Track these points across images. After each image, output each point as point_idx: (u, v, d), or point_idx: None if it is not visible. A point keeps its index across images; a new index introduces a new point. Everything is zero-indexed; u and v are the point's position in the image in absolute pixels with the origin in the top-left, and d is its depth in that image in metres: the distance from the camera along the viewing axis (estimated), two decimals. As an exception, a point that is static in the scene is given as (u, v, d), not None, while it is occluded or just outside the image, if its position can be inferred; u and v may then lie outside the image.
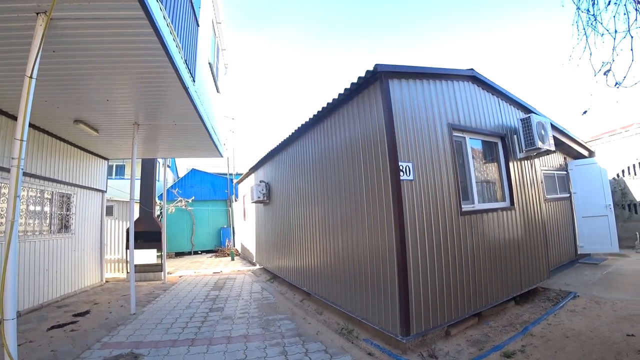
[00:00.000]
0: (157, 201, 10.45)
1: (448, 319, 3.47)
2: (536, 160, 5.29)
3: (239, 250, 13.20)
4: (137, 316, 4.78)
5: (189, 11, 4.14)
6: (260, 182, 8.13)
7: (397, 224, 3.24)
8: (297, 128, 5.50)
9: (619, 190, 8.02)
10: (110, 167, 13.34)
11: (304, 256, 5.63)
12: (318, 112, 4.69)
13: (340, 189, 4.35)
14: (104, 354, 3.40)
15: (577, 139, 6.90)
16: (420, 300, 3.25)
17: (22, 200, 5.09)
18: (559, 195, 6.46)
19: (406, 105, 3.58)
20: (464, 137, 4.21)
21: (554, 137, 5.37)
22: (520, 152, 4.79)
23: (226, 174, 16.24)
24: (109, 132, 5.72)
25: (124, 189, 12.38)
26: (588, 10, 2.44)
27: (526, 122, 4.73)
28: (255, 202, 8.22)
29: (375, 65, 3.35)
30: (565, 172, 6.84)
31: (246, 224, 11.46)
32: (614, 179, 8.13)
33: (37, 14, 2.55)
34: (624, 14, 2.29)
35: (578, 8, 2.45)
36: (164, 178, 9.87)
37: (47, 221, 5.80)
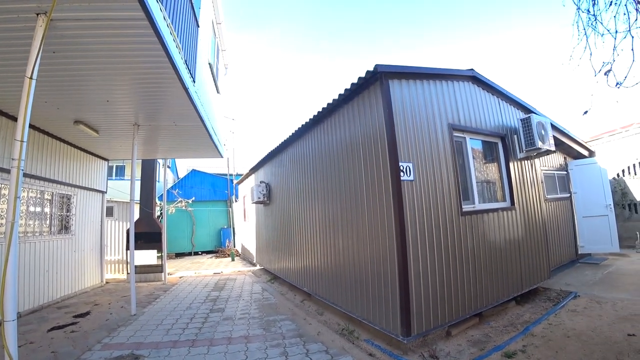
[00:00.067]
0: (157, 202, 10.45)
1: (449, 319, 3.46)
2: (536, 160, 5.29)
3: (239, 251, 13.19)
4: (137, 317, 4.78)
5: (189, 12, 4.14)
6: (261, 182, 8.13)
7: (397, 224, 3.24)
8: (297, 128, 5.49)
9: (619, 190, 8.01)
10: (110, 168, 13.33)
11: (304, 257, 5.63)
12: (318, 112, 4.68)
13: (340, 187, 4.34)
14: (104, 355, 3.39)
15: (577, 138, 6.90)
16: (421, 301, 3.24)
17: (22, 202, 5.09)
18: (559, 195, 6.46)
19: (406, 105, 3.58)
20: (464, 137, 4.20)
21: (554, 137, 5.37)
22: (520, 152, 4.79)
23: (226, 175, 16.23)
24: (109, 132, 5.72)
25: (124, 189, 12.40)
26: (588, 11, 2.44)
27: (526, 122, 4.73)
28: (256, 202, 8.22)
29: (376, 65, 3.34)
30: (565, 172, 6.84)
31: (246, 225, 11.45)
32: (614, 178, 8.13)
33: (37, 14, 2.55)
34: (624, 14, 2.29)
35: (578, 8, 2.45)
36: (164, 179, 9.87)
37: (47, 222, 5.80)
